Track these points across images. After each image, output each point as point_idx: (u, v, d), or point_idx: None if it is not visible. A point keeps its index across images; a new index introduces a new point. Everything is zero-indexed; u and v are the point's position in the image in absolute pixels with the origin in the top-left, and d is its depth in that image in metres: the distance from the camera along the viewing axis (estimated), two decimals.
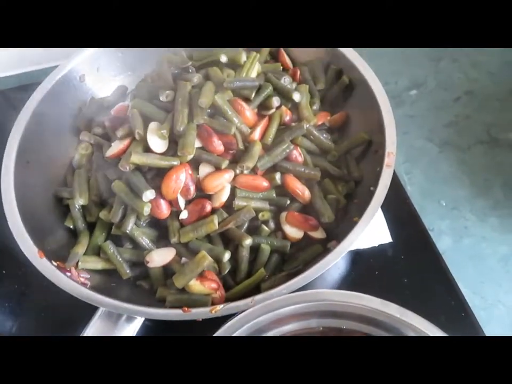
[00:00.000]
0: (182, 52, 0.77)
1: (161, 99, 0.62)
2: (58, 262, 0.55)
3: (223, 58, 0.66)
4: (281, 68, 0.73)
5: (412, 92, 0.83)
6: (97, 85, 0.77)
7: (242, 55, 0.66)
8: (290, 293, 0.49)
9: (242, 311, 0.47)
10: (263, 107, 0.65)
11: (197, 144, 0.59)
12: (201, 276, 0.55)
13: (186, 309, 0.50)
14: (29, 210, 0.60)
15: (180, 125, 0.57)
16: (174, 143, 0.59)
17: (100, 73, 0.76)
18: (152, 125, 0.59)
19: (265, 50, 0.75)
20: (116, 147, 0.60)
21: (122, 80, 0.79)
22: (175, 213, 0.60)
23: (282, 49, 0.76)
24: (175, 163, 0.57)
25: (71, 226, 0.64)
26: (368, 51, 0.69)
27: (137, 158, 0.56)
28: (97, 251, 0.61)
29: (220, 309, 0.49)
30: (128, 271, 0.59)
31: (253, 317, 0.47)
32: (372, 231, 0.62)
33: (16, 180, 0.61)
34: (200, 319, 0.49)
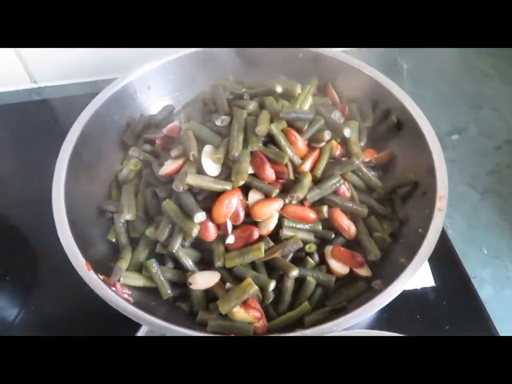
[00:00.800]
0: (231, 78, 0.80)
1: (216, 123, 0.63)
2: (103, 276, 0.55)
3: (279, 89, 0.67)
4: (330, 102, 0.74)
5: (453, 136, 0.84)
6: (146, 102, 0.78)
7: (297, 87, 0.67)
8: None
9: None
10: (313, 139, 0.66)
11: (250, 170, 0.59)
12: (245, 304, 0.55)
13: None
14: (76, 221, 0.60)
15: (236, 151, 0.58)
16: (226, 167, 0.60)
17: (150, 91, 0.78)
18: (207, 148, 0.60)
19: (314, 83, 0.76)
20: (169, 166, 0.61)
21: (170, 100, 0.80)
22: (221, 237, 0.60)
23: (330, 84, 0.78)
24: (227, 187, 0.58)
25: (114, 240, 0.64)
26: (411, 93, 0.70)
27: (193, 179, 0.56)
28: (139, 267, 0.61)
29: None
30: (169, 291, 0.58)
31: None
32: None
33: (66, 190, 0.61)
34: None
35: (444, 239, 0.68)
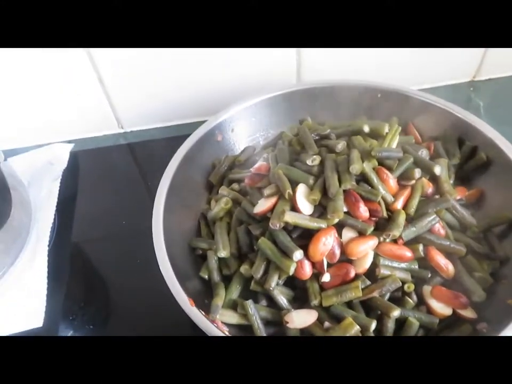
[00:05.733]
0: (309, 119, 0.82)
1: (307, 163, 0.64)
2: (203, 312, 0.56)
3: (366, 128, 0.68)
4: (413, 140, 0.75)
5: None
6: (229, 144, 0.82)
7: (385, 126, 0.68)
8: None
9: None
10: (403, 177, 0.66)
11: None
12: None
13: None
14: (173, 258, 0.62)
15: (333, 189, 0.58)
16: (319, 205, 0.61)
17: (234, 133, 0.81)
18: (302, 188, 0.61)
19: (394, 122, 0.77)
20: (263, 204, 0.62)
21: (251, 142, 0.84)
22: (315, 275, 0.60)
23: (411, 123, 0.78)
24: (323, 226, 0.58)
25: (206, 277, 0.65)
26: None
27: (290, 217, 0.57)
28: (232, 304, 0.62)
29: None
30: (264, 334, 0.58)
31: None
32: None
33: (164, 229, 0.64)
34: None
35: None
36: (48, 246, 0.75)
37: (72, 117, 0.97)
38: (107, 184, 0.91)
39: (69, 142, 0.98)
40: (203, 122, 0.79)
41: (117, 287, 0.74)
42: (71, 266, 0.77)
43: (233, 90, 0.91)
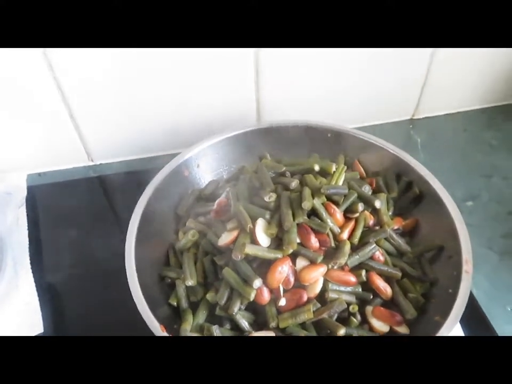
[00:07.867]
0: (268, 156, 0.91)
1: (265, 199, 0.72)
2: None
3: (316, 167, 0.78)
4: (358, 176, 0.85)
5: (468, 203, 0.93)
6: (195, 178, 0.89)
7: (332, 166, 0.78)
8: None
9: None
10: (348, 211, 0.75)
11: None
12: None
13: None
14: (144, 287, 0.68)
15: (288, 223, 0.67)
16: (276, 237, 0.69)
17: (199, 169, 0.89)
18: (260, 222, 0.69)
19: (341, 160, 0.87)
20: (226, 238, 0.70)
21: (215, 176, 0.91)
22: (273, 300, 0.67)
23: (357, 161, 0.89)
24: (279, 256, 0.66)
25: (175, 304, 0.71)
26: (426, 164, 0.80)
27: (250, 249, 0.65)
28: (199, 329, 0.68)
29: None
30: None
31: None
32: None
33: (136, 260, 0.70)
34: None
35: (470, 298, 0.75)
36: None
37: (41, 150, 1.01)
38: (76, 217, 0.95)
39: (38, 174, 1.02)
40: (171, 155, 0.86)
41: (90, 315, 0.79)
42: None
43: (198, 129, 0.99)
